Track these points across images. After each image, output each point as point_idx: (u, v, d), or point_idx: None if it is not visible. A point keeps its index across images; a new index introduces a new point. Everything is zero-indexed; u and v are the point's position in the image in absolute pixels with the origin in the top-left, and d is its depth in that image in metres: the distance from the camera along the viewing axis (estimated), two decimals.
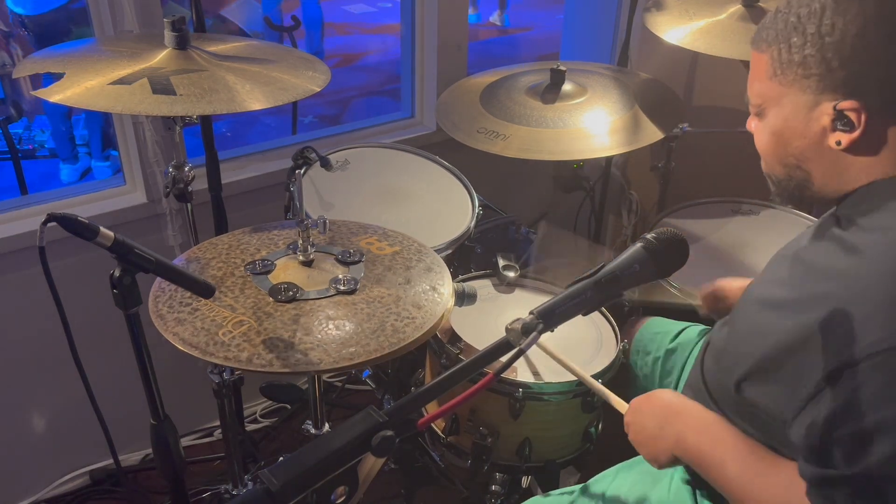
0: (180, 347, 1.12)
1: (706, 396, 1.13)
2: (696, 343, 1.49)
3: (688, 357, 1.48)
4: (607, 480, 1.30)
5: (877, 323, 0.84)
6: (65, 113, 3.78)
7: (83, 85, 1.30)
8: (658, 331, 1.58)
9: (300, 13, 4.98)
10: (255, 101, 1.34)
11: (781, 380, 0.94)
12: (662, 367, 1.52)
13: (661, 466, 1.11)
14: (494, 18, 6.56)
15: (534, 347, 0.91)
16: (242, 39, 1.76)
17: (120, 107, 1.26)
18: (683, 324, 1.58)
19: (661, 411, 1.12)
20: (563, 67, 1.92)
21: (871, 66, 0.90)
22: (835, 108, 0.92)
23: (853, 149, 0.94)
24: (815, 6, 0.94)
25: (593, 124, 1.83)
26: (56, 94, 1.27)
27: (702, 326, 1.55)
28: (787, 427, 0.93)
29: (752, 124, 1.06)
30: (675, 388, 1.46)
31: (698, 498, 1.17)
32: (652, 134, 1.82)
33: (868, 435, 0.82)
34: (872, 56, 0.90)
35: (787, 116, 0.98)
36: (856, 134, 0.92)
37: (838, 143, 0.94)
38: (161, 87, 1.30)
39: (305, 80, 1.45)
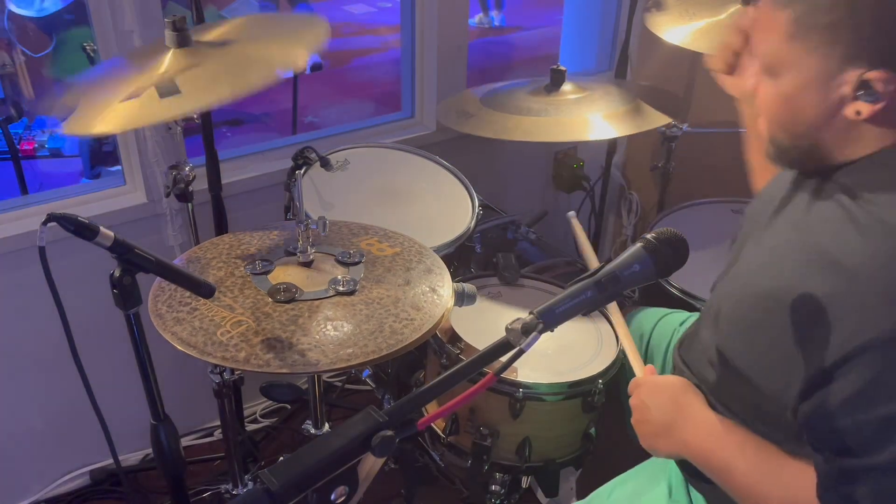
0: (178, 347, 1.12)
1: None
2: (672, 332, 1.47)
3: (667, 346, 1.46)
4: (604, 495, 1.29)
5: None
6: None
7: (111, 110, 1.25)
8: (642, 318, 1.55)
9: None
10: (259, 78, 1.28)
11: (782, 351, 0.88)
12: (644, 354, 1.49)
13: (658, 455, 1.11)
14: (481, 18, 6.33)
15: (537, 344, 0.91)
16: (236, 18, 1.73)
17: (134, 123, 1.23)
18: (664, 311, 1.55)
19: (669, 407, 1.09)
20: (562, 67, 1.92)
21: None
22: (860, 77, 0.84)
23: (872, 119, 0.86)
24: None
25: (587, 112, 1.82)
26: (95, 127, 1.24)
27: (683, 314, 1.52)
28: (785, 410, 0.89)
29: (753, 81, 0.96)
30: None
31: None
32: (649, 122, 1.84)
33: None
34: None
35: (802, 84, 0.89)
36: (880, 105, 0.84)
37: (858, 112, 0.85)
38: (166, 90, 1.29)
39: (308, 41, 1.40)
